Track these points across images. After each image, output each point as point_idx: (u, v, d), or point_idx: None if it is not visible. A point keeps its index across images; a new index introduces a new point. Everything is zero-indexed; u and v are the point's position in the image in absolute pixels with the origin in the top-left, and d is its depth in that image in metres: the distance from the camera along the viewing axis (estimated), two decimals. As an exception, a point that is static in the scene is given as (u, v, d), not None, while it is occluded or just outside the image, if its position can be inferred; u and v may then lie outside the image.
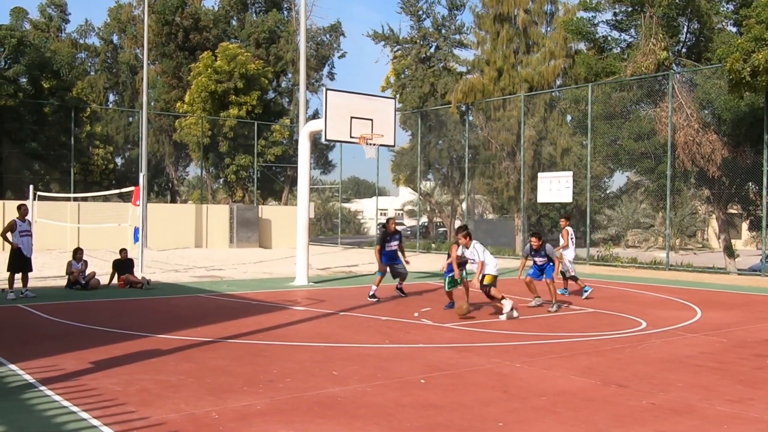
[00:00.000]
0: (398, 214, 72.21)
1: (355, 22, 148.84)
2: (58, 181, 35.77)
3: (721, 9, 24.75)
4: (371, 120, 16.35)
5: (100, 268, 17.76)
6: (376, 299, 14.07)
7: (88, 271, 15.68)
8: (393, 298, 14.59)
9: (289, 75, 43.85)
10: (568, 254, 15.36)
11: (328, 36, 44.80)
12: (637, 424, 5.94)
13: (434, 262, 26.16)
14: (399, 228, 15.68)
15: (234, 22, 45.79)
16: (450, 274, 12.64)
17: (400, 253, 14.76)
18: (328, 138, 16.31)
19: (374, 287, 14.24)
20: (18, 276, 13.74)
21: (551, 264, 13.06)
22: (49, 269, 19.79)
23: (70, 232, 28.99)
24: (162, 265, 22.14)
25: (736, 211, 29.37)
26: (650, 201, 29.74)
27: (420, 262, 25.65)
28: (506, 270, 22.87)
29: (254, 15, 45.67)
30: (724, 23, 25.10)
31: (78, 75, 38.46)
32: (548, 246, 13.33)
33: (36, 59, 33.95)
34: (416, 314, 12.14)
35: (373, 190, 57.00)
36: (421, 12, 40.65)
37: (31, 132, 33.00)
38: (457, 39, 40.00)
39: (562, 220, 15.99)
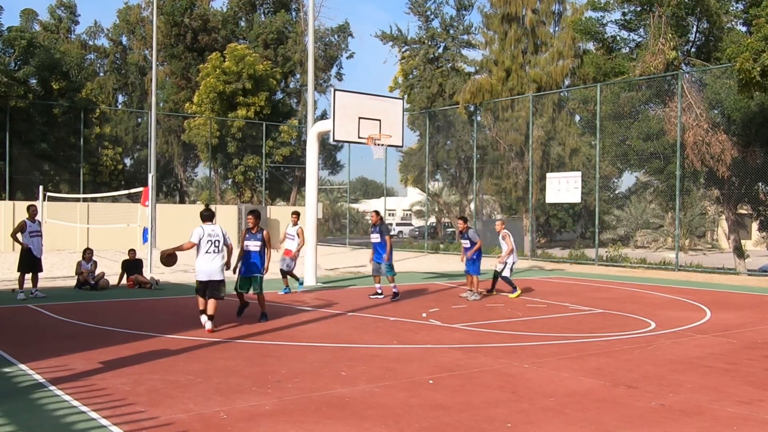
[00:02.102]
0: (407, 214, 72.18)
1: (363, 22, 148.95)
2: (68, 182, 35.93)
3: (731, 8, 24.63)
4: (379, 120, 16.36)
5: (110, 269, 17.84)
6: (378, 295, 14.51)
7: (97, 272, 15.76)
8: (403, 298, 14.57)
9: (297, 76, 43.91)
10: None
11: (336, 36, 44.83)
12: (646, 426, 5.91)
13: (443, 262, 26.15)
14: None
15: (242, 23, 45.89)
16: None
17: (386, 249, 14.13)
18: (336, 138, 16.32)
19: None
20: (28, 276, 13.82)
21: (477, 252, 14.42)
22: (58, 269, 19.89)
23: (80, 233, 29.13)
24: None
25: (746, 212, 29.20)
26: (659, 201, 29.61)
27: (428, 263, 25.65)
28: (515, 270, 22.82)
29: (262, 16, 45.76)
30: (733, 22, 24.98)
31: (87, 76, 38.62)
32: (471, 231, 14.64)
33: (46, 60, 34.10)
34: (424, 315, 12.14)
35: (381, 191, 56.95)
36: (429, 12, 40.64)
37: (40, 133, 33.16)
38: (465, 39, 39.96)
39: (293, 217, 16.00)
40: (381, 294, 14.49)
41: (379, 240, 14.32)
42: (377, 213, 14.83)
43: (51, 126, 34.07)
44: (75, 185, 33.90)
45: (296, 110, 43.04)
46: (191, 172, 53.51)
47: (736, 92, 19.98)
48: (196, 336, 9.78)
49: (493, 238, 36.24)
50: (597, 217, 26.43)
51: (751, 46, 17.96)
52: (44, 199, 23.68)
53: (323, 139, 18.47)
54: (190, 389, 6.86)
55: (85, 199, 30.32)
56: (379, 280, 14.61)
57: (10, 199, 30.83)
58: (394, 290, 14.34)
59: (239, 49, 37.69)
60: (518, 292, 14.84)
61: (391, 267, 14.35)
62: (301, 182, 39.45)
